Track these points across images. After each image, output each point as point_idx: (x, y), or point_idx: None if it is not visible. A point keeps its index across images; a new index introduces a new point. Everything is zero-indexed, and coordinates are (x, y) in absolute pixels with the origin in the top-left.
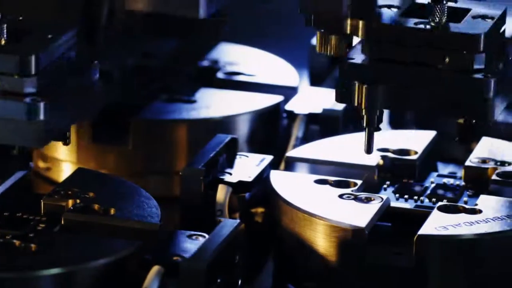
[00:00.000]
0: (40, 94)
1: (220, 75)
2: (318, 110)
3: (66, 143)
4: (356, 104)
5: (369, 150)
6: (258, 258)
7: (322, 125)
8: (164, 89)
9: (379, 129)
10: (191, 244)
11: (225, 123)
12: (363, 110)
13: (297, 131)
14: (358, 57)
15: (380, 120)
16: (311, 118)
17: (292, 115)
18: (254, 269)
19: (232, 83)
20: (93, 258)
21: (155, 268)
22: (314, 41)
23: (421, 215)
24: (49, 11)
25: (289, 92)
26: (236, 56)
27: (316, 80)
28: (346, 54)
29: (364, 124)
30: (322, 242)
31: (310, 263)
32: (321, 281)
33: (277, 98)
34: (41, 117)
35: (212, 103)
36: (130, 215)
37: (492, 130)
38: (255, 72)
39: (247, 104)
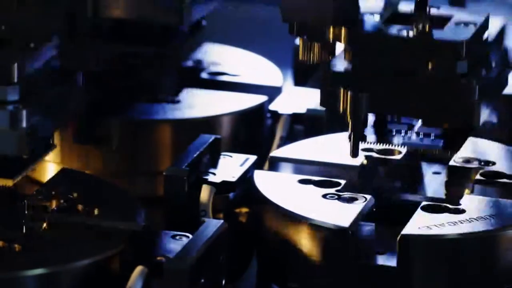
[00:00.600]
0: (23, 102)
1: (204, 75)
2: (302, 110)
3: (51, 149)
4: (341, 110)
5: (354, 154)
6: (242, 258)
7: (306, 125)
8: (147, 89)
9: (364, 137)
10: (175, 244)
11: (209, 123)
12: (348, 116)
13: (281, 131)
14: (341, 64)
15: (364, 125)
16: (295, 118)
17: (276, 115)
18: (238, 269)
19: (216, 83)
20: (77, 259)
21: (139, 268)
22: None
23: (408, 210)
24: (32, 16)
25: (273, 92)
26: (220, 56)
27: (300, 80)
28: (329, 61)
29: (349, 130)
30: (306, 242)
31: (294, 263)
32: (305, 281)
33: (261, 98)
34: (24, 124)
35: (196, 103)
36: (114, 215)
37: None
38: (239, 72)
39: (231, 104)
